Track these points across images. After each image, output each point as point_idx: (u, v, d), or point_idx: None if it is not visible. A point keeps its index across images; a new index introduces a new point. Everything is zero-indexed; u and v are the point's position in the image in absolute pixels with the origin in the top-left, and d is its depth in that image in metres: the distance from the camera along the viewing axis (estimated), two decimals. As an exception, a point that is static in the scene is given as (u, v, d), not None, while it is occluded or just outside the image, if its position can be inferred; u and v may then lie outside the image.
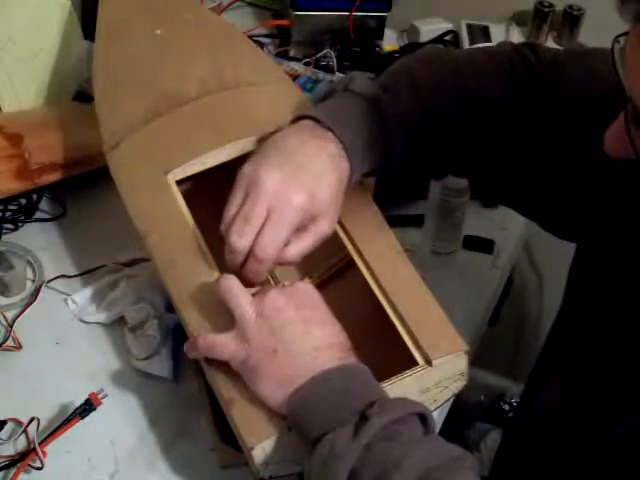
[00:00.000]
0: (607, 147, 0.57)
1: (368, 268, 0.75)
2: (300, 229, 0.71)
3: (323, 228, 0.73)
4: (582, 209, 0.73)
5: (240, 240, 0.69)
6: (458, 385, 0.72)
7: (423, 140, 0.77)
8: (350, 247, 0.77)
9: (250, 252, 0.70)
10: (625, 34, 0.52)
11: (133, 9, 0.97)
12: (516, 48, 0.80)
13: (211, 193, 0.80)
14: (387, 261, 0.75)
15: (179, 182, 0.81)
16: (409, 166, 0.80)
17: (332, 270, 0.83)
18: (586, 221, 0.72)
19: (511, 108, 0.76)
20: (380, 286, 0.73)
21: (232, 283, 0.69)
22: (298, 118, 0.76)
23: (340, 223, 0.77)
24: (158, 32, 0.94)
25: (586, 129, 0.70)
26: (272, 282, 0.74)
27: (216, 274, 0.73)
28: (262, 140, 0.78)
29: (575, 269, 0.76)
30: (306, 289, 0.70)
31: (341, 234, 0.77)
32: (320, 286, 0.74)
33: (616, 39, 0.53)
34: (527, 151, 0.75)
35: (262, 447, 0.65)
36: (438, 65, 0.79)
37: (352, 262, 0.77)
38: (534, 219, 0.82)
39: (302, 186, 0.70)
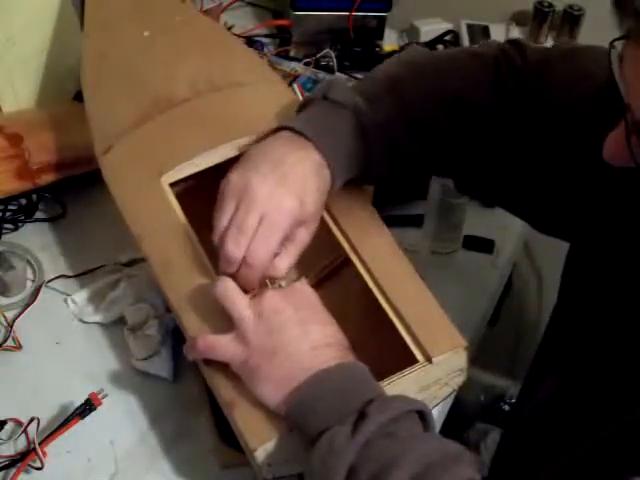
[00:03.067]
0: (606, 156, 0.56)
1: (365, 267, 0.75)
2: (285, 240, 0.71)
3: (305, 237, 0.73)
4: (573, 208, 0.73)
5: (235, 250, 0.69)
6: (458, 381, 0.72)
7: (407, 146, 0.77)
8: (347, 246, 0.77)
9: (243, 259, 0.70)
10: (621, 38, 0.51)
11: (120, 10, 0.96)
12: (501, 48, 0.79)
13: (205, 194, 0.80)
14: (384, 259, 0.75)
15: (172, 184, 0.81)
16: (392, 172, 0.79)
17: (328, 270, 0.83)
18: (577, 220, 0.72)
19: (496, 110, 0.75)
20: (378, 284, 0.73)
21: (228, 285, 0.69)
22: (277, 129, 0.76)
23: (336, 222, 0.78)
24: (147, 34, 0.93)
25: (577, 129, 0.70)
26: (269, 283, 0.74)
27: (213, 276, 0.73)
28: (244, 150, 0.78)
29: (569, 266, 0.76)
30: (303, 289, 0.71)
31: (337, 233, 0.77)
32: (316, 286, 0.74)
33: (612, 44, 0.52)
34: (515, 152, 0.75)
35: (264, 448, 0.65)
36: (420, 69, 0.79)
37: (347, 261, 0.77)
38: (523, 217, 0.82)
39: (291, 191, 0.70)
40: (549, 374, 0.73)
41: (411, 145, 0.76)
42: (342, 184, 0.76)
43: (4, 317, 0.88)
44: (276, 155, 0.72)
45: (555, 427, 0.70)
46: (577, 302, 0.72)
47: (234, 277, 0.70)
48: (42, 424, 0.77)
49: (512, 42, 0.80)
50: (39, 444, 0.74)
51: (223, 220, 0.70)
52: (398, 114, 0.76)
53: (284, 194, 0.70)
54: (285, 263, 0.72)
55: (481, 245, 1.04)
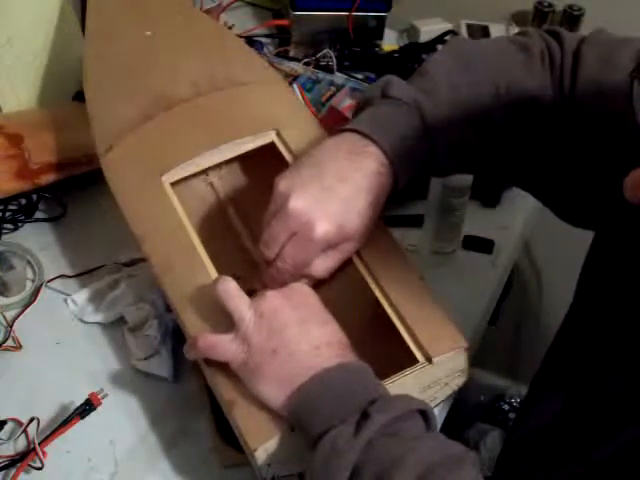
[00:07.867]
0: (627, 194, 0.53)
1: (366, 266, 0.75)
2: (328, 247, 0.71)
3: (352, 247, 0.73)
4: (605, 200, 0.71)
5: (266, 251, 0.71)
6: (458, 382, 0.72)
7: (468, 141, 0.76)
8: None
9: (274, 259, 0.70)
10: None
11: (122, 10, 0.97)
12: (544, 38, 0.78)
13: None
14: (385, 259, 0.75)
15: (174, 183, 0.81)
16: (452, 167, 0.79)
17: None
18: (606, 213, 0.71)
19: (544, 101, 0.75)
20: (378, 284, 0.73)
21: (229, 285, 0.69)
22: (339, 131, 0.75)
23: None
24: (148, 33, 0.93)
25: (608, 127, 0.69)
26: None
27: (213, 276, 0.74)
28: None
29: (586, 271, 0.74)
30: (302, 289, 0.71)
31: None
32: (317, 286, 0.74)
33: (633, 75, 0.49)
34: (554, 141, 0.75)
35: (265, 448, 0.65)
36: (472, 64, 0.78)
37: (348, 261, 0.77)
38: (551, 206, 0.81)
39: (329, 216, 0.69)
40: (555, 386, 0.72)
41: (472, 139, 0.76)
42: (406, 182, 0.75)
43: (4, 317, 0.88)
44: (325, 165, 0.71)
45: (561, 441, 0.69)
46: (593, 310, 0.71)
47: (264, 271, 0.71)
48: (42, 424, 0.77)
49: (549, 31, 0.79)
50: (39, 444, 0.74)
51: (265, 220, 0.71)
52: (456, 108, 0.75)
53: (320, 216, 0.69)
54: (323, 265, 0.72)
55: (481, 245, 1.04)
